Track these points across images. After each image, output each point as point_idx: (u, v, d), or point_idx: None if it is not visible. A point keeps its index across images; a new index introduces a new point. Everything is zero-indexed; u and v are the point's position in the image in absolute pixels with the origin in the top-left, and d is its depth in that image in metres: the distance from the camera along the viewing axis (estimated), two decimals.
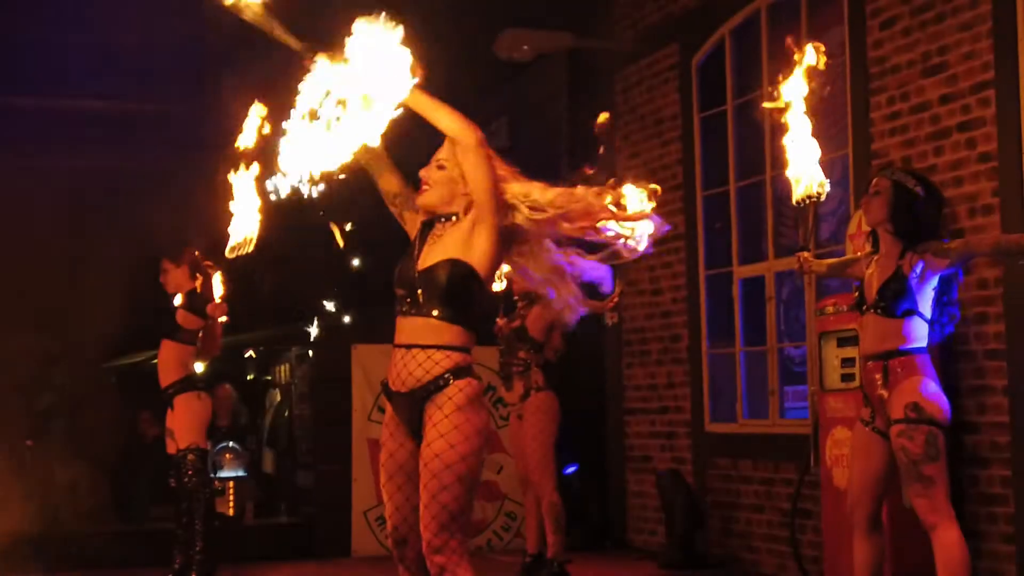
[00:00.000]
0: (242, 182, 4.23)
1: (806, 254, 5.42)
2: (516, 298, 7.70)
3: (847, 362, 6.71)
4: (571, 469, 9.51)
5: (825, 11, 7.91)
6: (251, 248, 4.23)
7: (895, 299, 5.12)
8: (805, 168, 5.16)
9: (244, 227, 4.21)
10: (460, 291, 4.00)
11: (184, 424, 7.44)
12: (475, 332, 4.08)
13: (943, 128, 6.92)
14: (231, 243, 4.22)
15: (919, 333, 5.13)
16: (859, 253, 5.65)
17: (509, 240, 4.13)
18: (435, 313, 4.00)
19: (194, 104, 10.47)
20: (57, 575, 8.37)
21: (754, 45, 8.53)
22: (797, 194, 5.18)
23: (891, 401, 5.10)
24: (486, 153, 4.01)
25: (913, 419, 5.02)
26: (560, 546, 7.42)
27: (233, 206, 4.24)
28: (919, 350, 5.12)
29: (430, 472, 3.93)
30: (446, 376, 3.97)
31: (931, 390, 5.08)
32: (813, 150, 5.15)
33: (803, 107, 5.13)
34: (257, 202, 4.23)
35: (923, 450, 4.98)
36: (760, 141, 8.43)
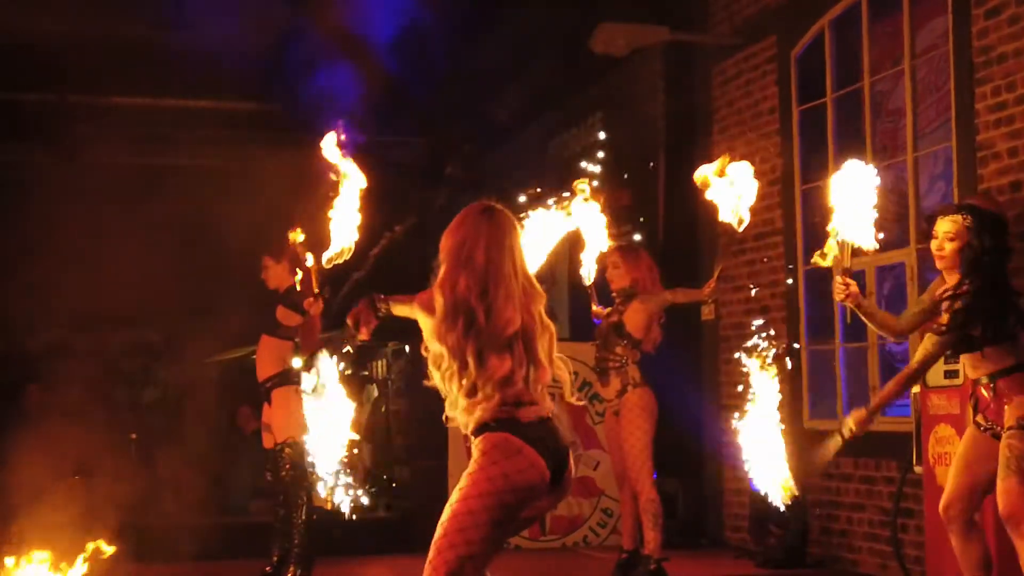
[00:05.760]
0: (343, 193, 4.27)
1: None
2: (614, 294, 7.66)
3: (950, 359, 6.56)
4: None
5: (928, 0, 7.76)
6: (347, 258, 4.28)
7: None
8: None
9: (342, 238, 4.26)
10: None
11: (281, 418, 7.50)
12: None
13: None
14: (328, 254, 4.28)
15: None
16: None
17: None
18: None
19: (303, 103, 10.58)
20: (157, 567, 8.51)
21: (855, 36, 8.39)
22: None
23: None
24: None
25: None
26: (657, 543, 7.37)
27: (333, 216, 4.28)
28: None
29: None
30: None
31: None
32: None
33: None
34: (355, 215, 4.25)
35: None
36: (861, 134, 8.29)
